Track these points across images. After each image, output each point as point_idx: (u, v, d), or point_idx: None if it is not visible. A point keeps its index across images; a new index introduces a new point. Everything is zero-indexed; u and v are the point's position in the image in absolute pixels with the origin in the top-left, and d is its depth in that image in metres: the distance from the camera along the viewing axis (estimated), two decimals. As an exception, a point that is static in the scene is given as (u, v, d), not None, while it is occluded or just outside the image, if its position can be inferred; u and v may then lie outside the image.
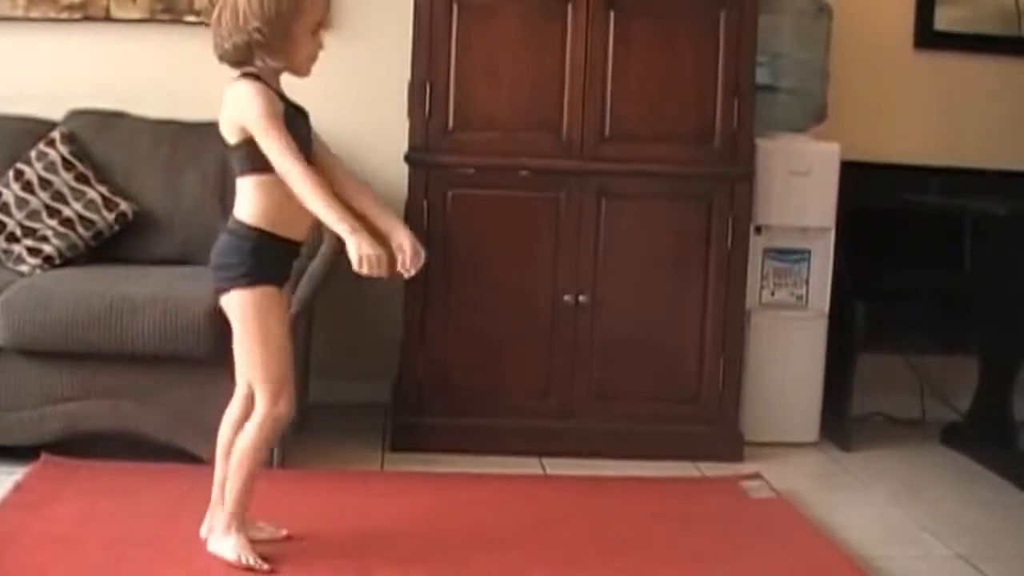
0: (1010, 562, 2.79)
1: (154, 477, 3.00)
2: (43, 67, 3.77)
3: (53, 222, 3.39)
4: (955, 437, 3.79)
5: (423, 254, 2.53)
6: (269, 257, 2.49)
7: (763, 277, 3.71)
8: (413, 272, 2.53)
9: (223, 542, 2.52)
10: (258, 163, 2.45)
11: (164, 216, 3.51)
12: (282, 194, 2.44)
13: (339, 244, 3.01)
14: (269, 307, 2.49)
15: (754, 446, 3.56)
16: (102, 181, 3.49)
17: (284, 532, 2.69)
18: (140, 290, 3.05)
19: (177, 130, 3.59)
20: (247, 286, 2.48)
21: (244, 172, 2.51)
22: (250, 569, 2.48)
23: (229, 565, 2.48)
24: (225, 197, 3.52)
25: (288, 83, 3.82)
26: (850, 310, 3.70)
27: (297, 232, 2.53)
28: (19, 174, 3.44)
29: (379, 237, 2.45)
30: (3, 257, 3.36)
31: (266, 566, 2.49)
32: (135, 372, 3.06)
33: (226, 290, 2.51)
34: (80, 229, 3.40)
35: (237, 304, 2.50)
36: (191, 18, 3.79)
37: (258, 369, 2.52)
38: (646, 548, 2.71)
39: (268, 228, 2.48)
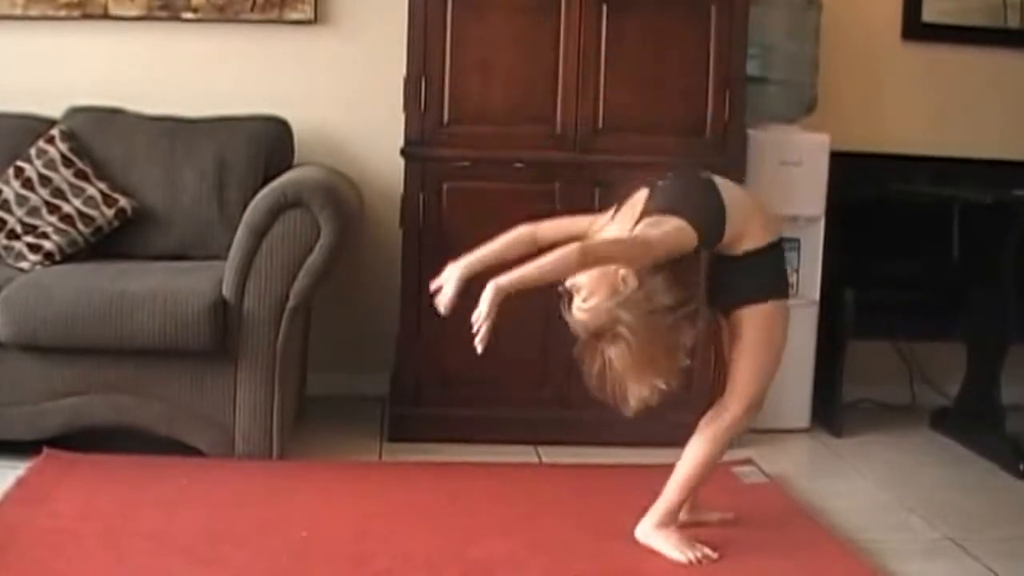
0: (998, 544, 2.83)
1: (155, 470, 3.02)
2: (42, 65, 3.78)
3: (53, 219, 3.41)
4: (944, 422, 3.83)
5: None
6: (784, 271, 2.63)
7: (755, 266, 3.75)
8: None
9: (659, 538, 2.60)
10: None
11: (163, 212, 3.52)
12: None
13: (338, 236, 3.09)
14: (786, 321, 2.59)
15: (746, 432, 3.60)
16: (101, 178, 3.51)
17: (731, 515, 2.78)
18: (140, 285, 3.06)
19: (175, 127, 3.61)
20: (773, 299, 2.57)
21: None
22: (699, 561, 2.57)
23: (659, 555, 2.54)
24: (222, 192, 3.55)
25: (284, 79, 3.88)
26: (840, 298, 3.74)
27: None
28: (19, 171, 3.46)
29: None
30: (4, 254, 3.38)
31: (714, 555, 2.58)
32: (135, 366, 3.08)
33: (749, 303, 2.57)
34: (80, 225, 3.42)
35: (761, 316, 2.56)
36: (189, 15, 3.81)
37: (754, 379, 2.59)
38: (641, 533, 2.75)
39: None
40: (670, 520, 2.62)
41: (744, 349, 2.58)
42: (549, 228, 2.63)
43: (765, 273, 2.59)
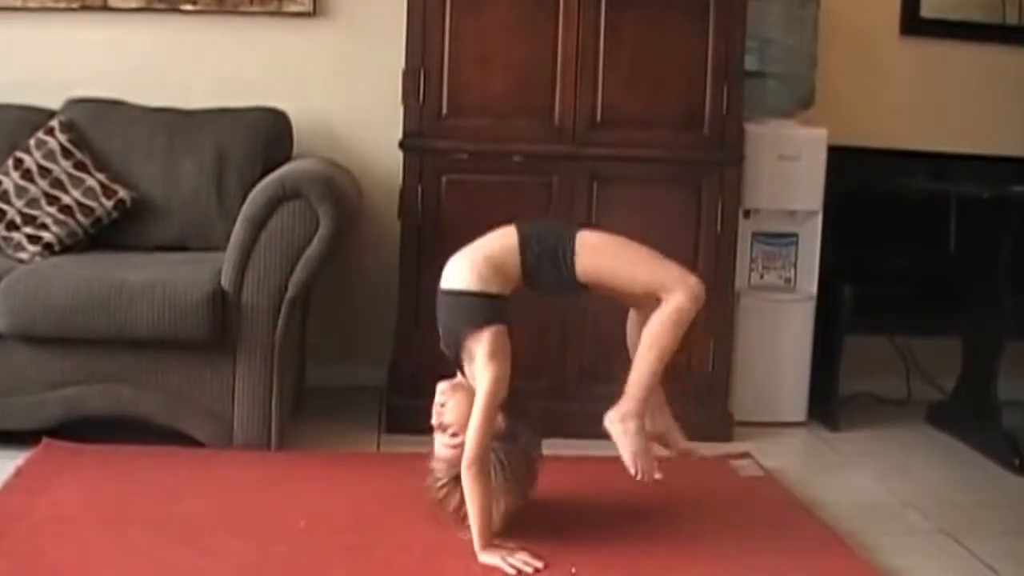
0: (993, 538, 2.84)
1: (154, 460, 3.03)
2: (41, 56, 3.79)
3: (52, 209, 3.42)
4: (940, 416, 3.84)
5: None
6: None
7: (752, 260, 3.76)
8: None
9: (617, 430, 2.63)
10: None
11: (162, 203, 3.53)
12: None
13: (337, 228, 3.09)
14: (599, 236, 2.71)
15: (744, 426, 3.61)
16: (100, 169, 3.51)
17: (699, 455, 2.84)
18: (139, 276, 3.07)
19: (174, 118, 3.61)
20: (576, 232, 2.68)
21: None
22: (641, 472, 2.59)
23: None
24: (221, 184, 3.56)
25: (282, 71, 3.88)
26: (837, 293, 3.74)
27: None
28: (18, 162, 3.47)
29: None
30: (3, 244, 3.39)
31: (658, 475, 2.61)
32: (134, 356, 3.09)
33: (573, 254, 2.63)
34: (79, 216, 3.43)
35: (593, 242, 2.63)
36: (188, 7, 3.82)
37: (655, 270, 2.63)
38: (638, 526, 2.76)
39: None
40: (632, 416, 2.62)
41: (619, 271, 2.62)
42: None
43: (548, 236, 2.66)
